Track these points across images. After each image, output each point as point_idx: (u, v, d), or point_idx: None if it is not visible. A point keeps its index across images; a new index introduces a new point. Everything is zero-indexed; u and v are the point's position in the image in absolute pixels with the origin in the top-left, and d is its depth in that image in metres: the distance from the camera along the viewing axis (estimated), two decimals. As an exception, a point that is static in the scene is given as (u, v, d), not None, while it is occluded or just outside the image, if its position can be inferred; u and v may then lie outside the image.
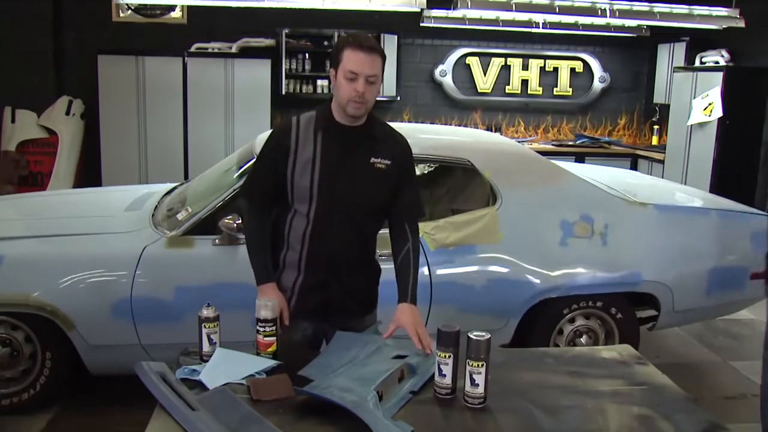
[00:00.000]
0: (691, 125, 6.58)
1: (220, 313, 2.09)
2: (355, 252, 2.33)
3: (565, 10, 5.61)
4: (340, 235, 2.27)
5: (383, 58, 2.19)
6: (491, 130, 7.52)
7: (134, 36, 7.07)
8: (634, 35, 7.28)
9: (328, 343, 2.27)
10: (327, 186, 2.21)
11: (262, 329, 2.09)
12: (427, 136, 3.65)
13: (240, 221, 3.09)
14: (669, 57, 7.47)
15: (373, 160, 2.25)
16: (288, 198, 2.27)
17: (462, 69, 7.74)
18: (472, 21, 6.60)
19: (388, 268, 2.44)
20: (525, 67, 7.81)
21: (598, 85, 7.91)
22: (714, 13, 5.80)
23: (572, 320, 3.52)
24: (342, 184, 2.22)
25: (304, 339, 2.35)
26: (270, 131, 2.39)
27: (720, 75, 6.34)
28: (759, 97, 6.51)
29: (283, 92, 7.17)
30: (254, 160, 2.45)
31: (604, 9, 5.61)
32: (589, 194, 3.62)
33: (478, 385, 1.89)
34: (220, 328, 2.09)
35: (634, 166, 7.44)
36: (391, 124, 2.45)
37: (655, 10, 5.73)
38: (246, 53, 6.90)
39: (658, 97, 7.63)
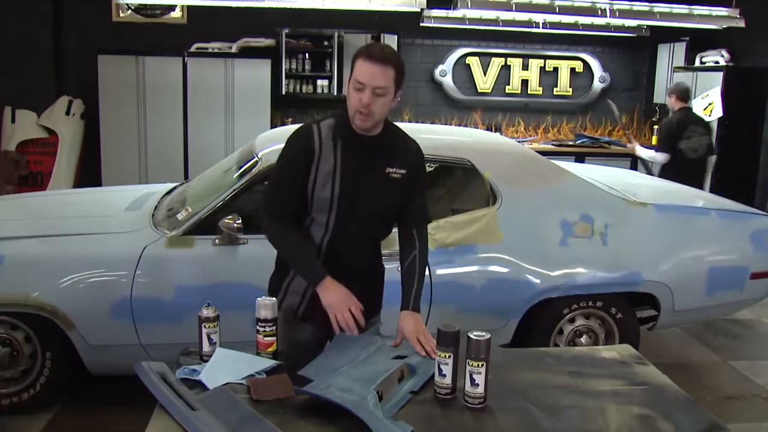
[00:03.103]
0: (691, 125, 6.57)
1: (220, 313, 2.09)
2: (369, 258, 2.35)
3: (565, 10, 5.62)
4: (356, 244, 2.27)
5: (397, 69, 2.14)
6: (491, 130, 7.51)
7: (134, 36, 7.07)
8: (634, 35, 7.28)
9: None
10: (347, 198, 2.20)
11: (262, 329, 2.09)
12: (427, 136, 3.60)
13: (239, 221, 3.09)
14: (669, 57, 7.47)
15: (388, 170, 2.24)
16: (307, 206, 2.24)
17: (462, 69, 7.74)
18: (472, 21, 6.60)
19: (389, 267, 2.46)
20: (525, 67, 7.81)
21: (598, 85, 7.90)
22: (714, 13, 5.80)
23: (572, 320, 3.52)
24: (361, 196, 2.21)
25: (309, 341, 2.33)
26: (287, 141, 2.25)
27: (720, 75, 6.34)
28: (759, 97, 6.51)
29: (283, 92, 7.17)
30: (275, 172, 2.30)
31: (604, 9, 5.61)
32: (589, 194, 3.62)
33: (478, 385, 1.89)
34: (220, 328, 2.09)
35: (634, 166, 7.43)
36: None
37: (655, 10, 5.74)
38: (246, 53, 6.90)
39: (658, 97, 7.62)
